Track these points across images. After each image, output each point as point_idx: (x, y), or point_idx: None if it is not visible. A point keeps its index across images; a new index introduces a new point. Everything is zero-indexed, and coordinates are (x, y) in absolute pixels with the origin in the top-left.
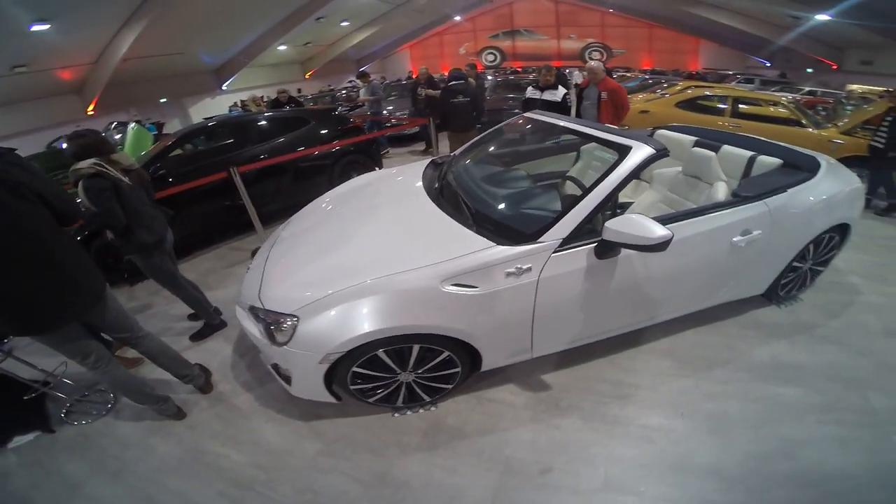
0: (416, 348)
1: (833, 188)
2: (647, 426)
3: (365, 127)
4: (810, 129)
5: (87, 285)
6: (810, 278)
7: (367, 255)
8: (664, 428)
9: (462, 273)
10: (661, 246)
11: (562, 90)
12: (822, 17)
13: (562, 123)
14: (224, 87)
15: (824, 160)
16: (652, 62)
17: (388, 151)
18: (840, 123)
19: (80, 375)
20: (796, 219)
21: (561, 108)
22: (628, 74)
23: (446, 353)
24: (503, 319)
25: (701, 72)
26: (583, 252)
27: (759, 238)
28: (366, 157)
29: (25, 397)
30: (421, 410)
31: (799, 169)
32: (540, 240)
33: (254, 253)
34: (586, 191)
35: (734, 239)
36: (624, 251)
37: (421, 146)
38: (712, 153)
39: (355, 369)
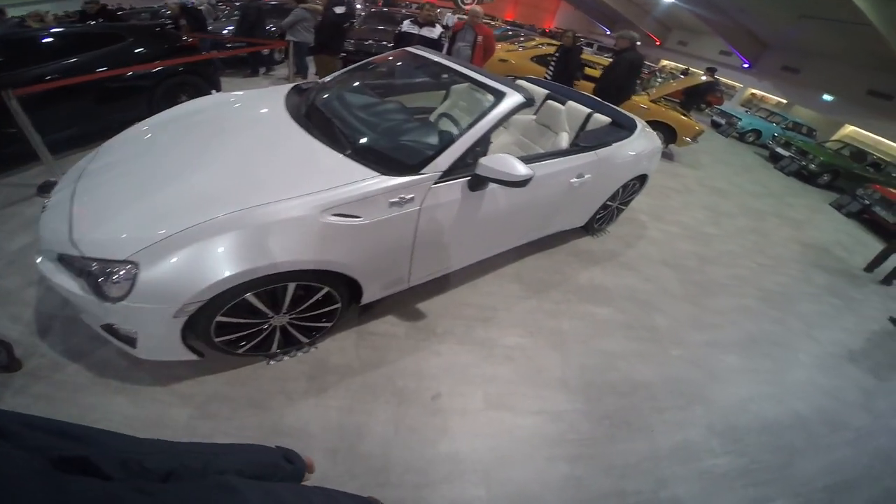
0: (291, 287)
1: (642, 146)
2: (507, 346)
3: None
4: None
5: None
6: (616, 215)
7: (223, 186)
8: (520, 346)
9: (346, 202)
10: (524, 182)
11: (438, 28)
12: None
13: (446, 63)
14: None
15: (640, 123)
16: (514, 14)
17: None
18: (650, 92)
19: None
20: (615, 167)
21: (436, 45)
22: (493, 23)
23: (325, 289)
24: (386, 249)
25: (553, 30)
26: (458, 185)
27: (589, 181)
28: (199, 79)
29: None
30: (299, 354)
31: (622, 127)
32: (422, 171)
33: (42, 188)
34: (465, 129)
35: (572, 180)
36: (490, 185)
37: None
38: (562, 106)
39: (220, 318)
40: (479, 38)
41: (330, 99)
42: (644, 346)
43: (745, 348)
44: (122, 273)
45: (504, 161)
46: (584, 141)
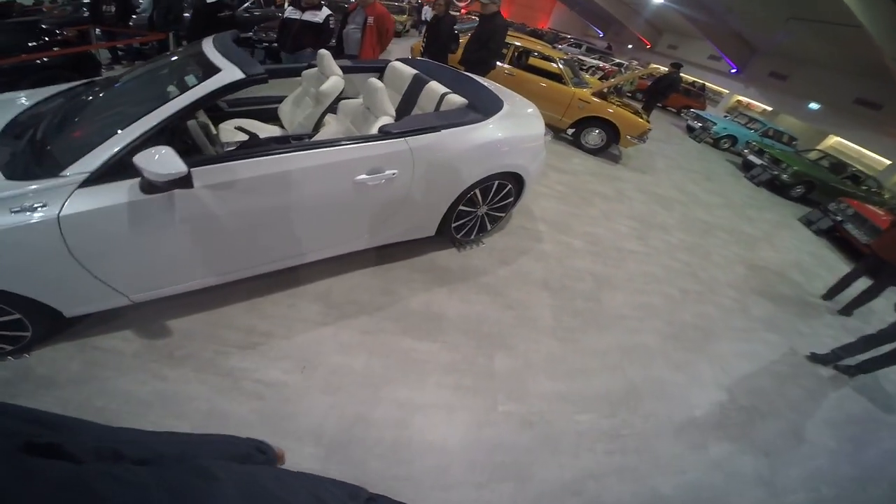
0: None
1: (500, 136)
2: (262, 381)
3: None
4: (569, 87)
5: None
6: (489, 224)
7: None
8: (279, 383)
9: None
10: (182, 182)
11: (325, 11)
12: (658, 0)
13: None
14: None
15: (510, 106)
16: (508, 13)
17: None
18: (594, 86)
19: None
20: (447, 161)
21: (322, 29)
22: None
23: None
24: (31, 260)
25: (543, 30)
26: (124, 186)
27: (397, 178)
28: (73, 73)
29: None
30: (10, 359)
31: (476, 111)
32: (62, 173)
33: None
34: (135, 118)
35: (358, 177)
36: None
37: None
38: (381, 84)
39: None
40: (371, 20)
41: (57, 97)
42: (461, 398)
43: (614, 404)
44: None
45: (150, 157)
46: (393, 127)
